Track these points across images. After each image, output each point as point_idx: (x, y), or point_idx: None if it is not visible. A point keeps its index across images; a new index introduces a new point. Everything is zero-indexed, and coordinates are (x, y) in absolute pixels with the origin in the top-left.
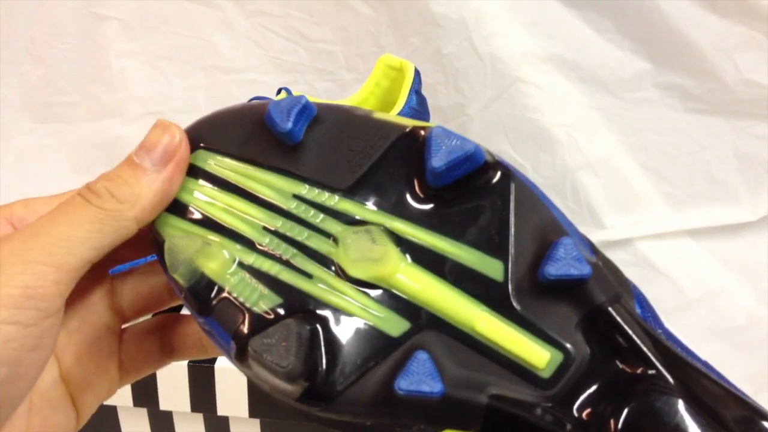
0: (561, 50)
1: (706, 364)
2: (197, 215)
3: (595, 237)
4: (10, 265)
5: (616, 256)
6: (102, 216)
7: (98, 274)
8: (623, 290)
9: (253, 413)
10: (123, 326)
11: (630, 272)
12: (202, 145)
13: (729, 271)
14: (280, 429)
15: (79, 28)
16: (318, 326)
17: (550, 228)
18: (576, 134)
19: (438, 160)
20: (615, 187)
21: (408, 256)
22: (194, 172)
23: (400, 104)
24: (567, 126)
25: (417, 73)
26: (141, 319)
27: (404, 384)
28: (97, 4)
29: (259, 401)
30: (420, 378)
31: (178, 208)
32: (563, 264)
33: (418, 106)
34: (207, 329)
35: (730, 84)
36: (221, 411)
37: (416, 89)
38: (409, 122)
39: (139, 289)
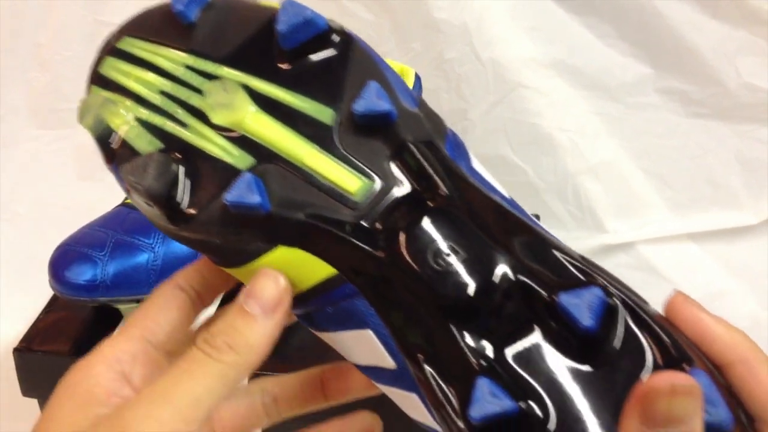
0: (562, 55)
1: (510, 201)
2: (113, 85)
3: (598, 241)
4: (147, 427)
5: (618, 260)
6: (224, 369)
7: None
8: (436, 136)
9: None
10: None
11: (632, 276)
12: (128, 34)
13: (731, 274)
14: (279, 429)
15: (84, 34)
16: (181, 159)
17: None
18: (578, 139)
19: (282, 24)
20: (617, 191)
21: (258, 105)
22: (118, 54)
23: None
24: (569, 131)
25: (418, 78)
26: None
27: (229, 196)
28: (103, 11)
29: None
30: (242, 192)
31: (101, 80)
32: (367, 101)
33: None
34: (114, 176)
35: (732, 88)
36: None
37: (417, 94)
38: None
39: (236, 410)
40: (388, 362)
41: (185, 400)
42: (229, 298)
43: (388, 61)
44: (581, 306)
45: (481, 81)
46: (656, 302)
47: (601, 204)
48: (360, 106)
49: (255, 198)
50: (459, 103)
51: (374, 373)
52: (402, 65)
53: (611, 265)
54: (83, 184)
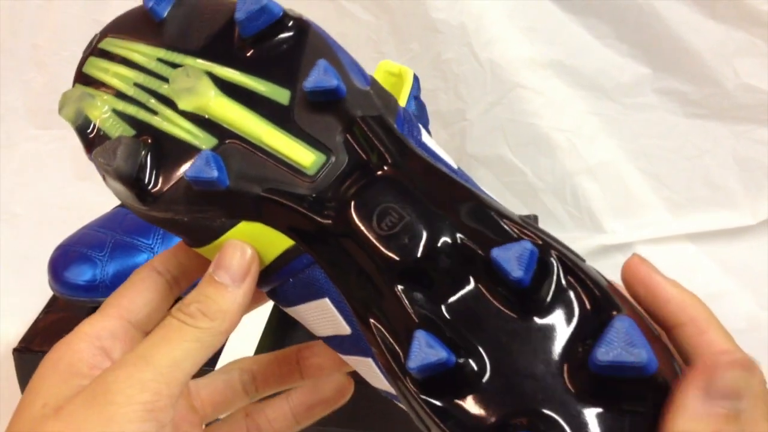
0: (560, 56)
1: (457, 171)
2: (94, 81)
3: (595, 241)
4: (128, 387)
5: (615, 260)
6: (199, 334)
7: None
8: (387, 112)
9: None
10: (206, 424)
11: None
12: (109, 34)
13: (729, 275)
14: None
15: (82, 35)
16: (150, 143)
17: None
18: (576, 139)
19: (240, 12)
20: (615, 191)
21: (221, 90)
22: (99, 53)
23: None
24: (567, 131)
25: (416, 78)
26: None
27: (189, 172)
28: (100, 11)
29: None
30: (201, 167)
31: (84, 78)
32: (315, 79)
33: (416, 112)
34: (94, 164)
35: (730, 89)
36: None
37: (415, 95)
38: None
39: (215, 386)
40: (344, 328)
41: (165, 362)
42: None
43: (386, 62)
44: (511, 258)
45: (479, 81)
46: None
47: (599, 204)
48: (309, 83)
49: (213, 173)
50: (457, 103)
51: (335, 342)
52: (400, 66)
53: (609, 265)
54: (82, 184)
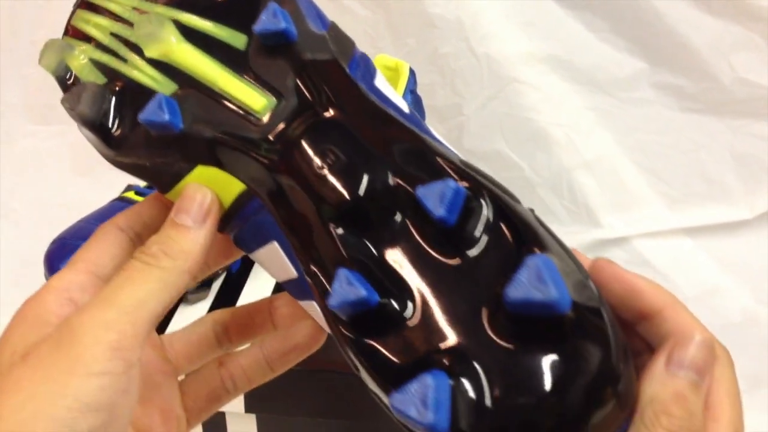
0: (557, 51)
1: (408, 116)
2: (77, 32)
3: (592, 236)
4: (94, 328)
5: (612, 255)
6: (162, 274)
7: None
8: (341, 56)
9: (249, 408)
10: (180, 376)
11: None
12: None
13: (725, 269)
14: (276, 424)
15: None
16: (117, 90)
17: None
18: (572, 134)
19: None
20: (611, 186)
21: (185, 36)
22: (85, 5)
23: None
24: (563, 126)
25: (412, 72)
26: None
27: (141, 115)
28: None
29: (254, 396)
30: (153, 111)
31: (71, 30)
32: (265, 21)
33: (413, 106)
34: None
35: (726, 83)
36: None
37: (411, 89)
38: None
39: (188, 338)
40: (292, 272)
41: (129, 302)
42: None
43: (383, 55)
44: (434, 196)
45: (476, 76)
46: None
47: (596, 199)
48: (258, 25)
49: (164, 116)
50: (454, 98)
51: (289, 288)
52: (397, 60)
53: None
54: (80, 180)
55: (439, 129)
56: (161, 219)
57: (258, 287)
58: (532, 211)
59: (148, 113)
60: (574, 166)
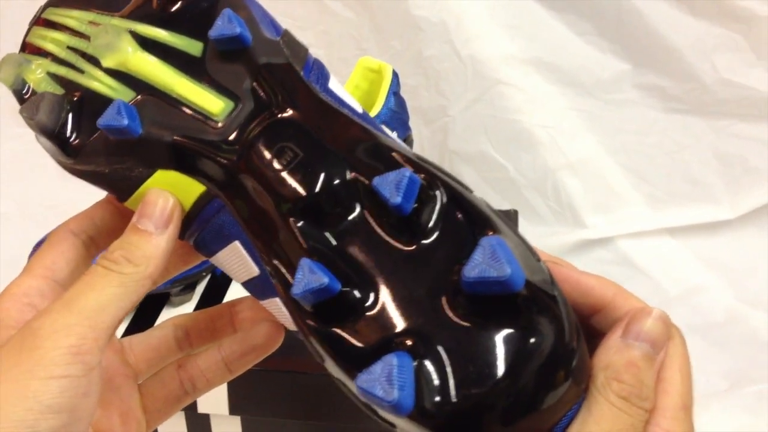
0: (541, 52)
1: (361, 114)
2: (34, 48)
3: (576, 236)
4: (54, 332)
5: (596, 255)
6: (124, 279)
7: None
8: (295, 61)
9: (233, 410)
10: (140, 380)
11: (610, 270)
12: (51, 5)
13: (708, 269)
14: (261, 426)
15: None
16: (75, 100)
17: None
18: (557, 135)
19: None
20: (595, 186)
21: (141, 46)
22: (42, 23)
23: (378, 105)
24: (548, 127)
25: (395, 75)
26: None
27: (101, 121)
28: None
29: (239, 398)
30: (112, 116)
31: (27, 47)
32: (220, 27)
33: (396, 107)
34: None
35: (709, 84)
36: (201, 408)
37: (395, 91)
38: None
39: (148, 342)
40: (254, 270)
41: (90, 307)
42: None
43: (366, 58)
44: (390, 185)
45: (461, 78)
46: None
47: (580, 199)
48: (213, 31)
49: (123, 121)
50: (439, 99)
51: (251, 287)
52: (380, 62)
53: (590, 260)
54: (66, 183)
55: (423, 131)
56: (113, 222)
57: (242, 290)
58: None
59: (107, 118)
60: (558, 167)
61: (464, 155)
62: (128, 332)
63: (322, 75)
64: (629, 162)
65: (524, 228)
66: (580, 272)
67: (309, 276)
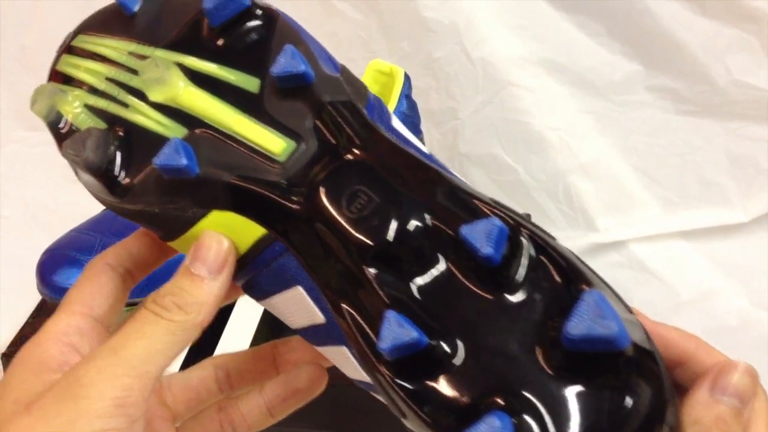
0: (552, 54)
1: (428, 156)
2: (66, 78)
3: (588, 239)
4: (99, 381)
5: (608, 258)
6: (173, 327)
7: None
8: (357, 98)
9: None
10: (177, 422)
11: (624, 274)
12: (82, 32)
13: (721, 272)
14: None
15: None
16: (121, 135)
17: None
18: (568, 137)
19: (208, 2)
20: (607, 189)
21: (191, 80)
22: (72, 51)
23: (390, 109)
24: (558, 129)
25: (407, 77)
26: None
27: (158, 160)
28: (88, 12)
29: None
30: (170, 155)
31: (57, 76)
32: (283, 64)
33: (408, 111)
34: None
35: (721, 86)
36: None
37: (406, 94)
38: None
39: (188, 383)
40: (319, 317)
41: (137, 355)
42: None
43: (377, 61)
44: (480, 235)
45: (471, 80)
46: (646, 300)
47: (592, 202)
48: (276, 68)
49: (182, 160)
50: (449, 102)
51: (311, 333)
52: (391, 65)
53: (603, 263)
54: (70, 186)
55: (434, 133)
56: (151, 254)
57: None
58: (528, 215)
59: (165, 158)
60: (569, 170)
61: (474, 158)
62: None
63: (384, 112)
64: (641, 164)
65: None
66: (657, 324)
67: (397, 330)
